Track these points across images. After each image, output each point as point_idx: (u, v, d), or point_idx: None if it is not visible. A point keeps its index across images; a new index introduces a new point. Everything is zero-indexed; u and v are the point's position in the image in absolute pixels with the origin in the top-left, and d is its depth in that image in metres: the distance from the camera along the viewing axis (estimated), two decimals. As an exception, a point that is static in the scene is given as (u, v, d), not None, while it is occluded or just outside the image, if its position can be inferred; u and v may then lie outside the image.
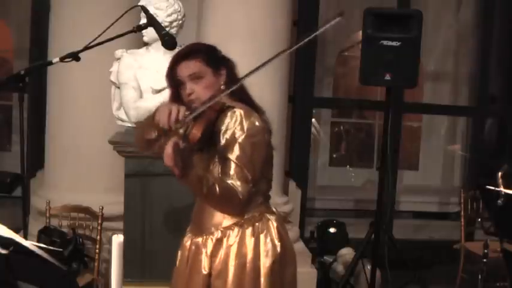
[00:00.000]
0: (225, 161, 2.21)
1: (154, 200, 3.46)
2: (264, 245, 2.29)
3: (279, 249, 2.31)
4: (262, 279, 2.28)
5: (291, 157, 5.52)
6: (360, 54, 3.95)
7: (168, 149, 2.05)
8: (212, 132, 2.22)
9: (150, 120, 2.31)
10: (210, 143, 2.23)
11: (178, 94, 2.35)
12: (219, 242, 2.30)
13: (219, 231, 2.30)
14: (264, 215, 2.33)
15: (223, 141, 2.20)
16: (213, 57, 2.33)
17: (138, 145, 2.52)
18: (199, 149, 2.26)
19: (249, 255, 2.28)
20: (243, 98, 2.33)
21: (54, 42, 4.37)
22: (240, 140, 2.20)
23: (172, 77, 2.34)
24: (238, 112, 2.22)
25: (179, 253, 2.44)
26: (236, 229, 2.29)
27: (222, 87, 2.29)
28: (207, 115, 2.20)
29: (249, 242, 2.28)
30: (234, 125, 2.20)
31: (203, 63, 2.29)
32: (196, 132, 2.15)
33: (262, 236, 2.30)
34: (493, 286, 4.41)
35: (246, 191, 2.21)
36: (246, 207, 2.29)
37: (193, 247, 2.37)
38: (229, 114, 2.22)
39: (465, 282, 4.57)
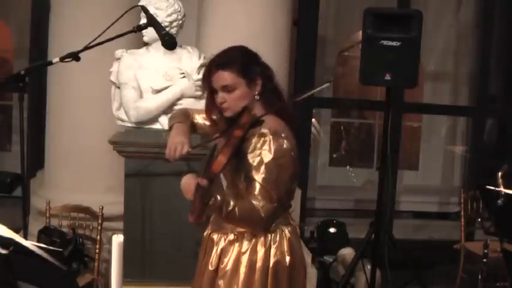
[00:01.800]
0: (250, 181, 2.23)
1: (154, 200, 3.46)
2: (274, 256, 2.32)
3: (288, 261, 2.34)
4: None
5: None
6: (360, 54, 3.95)
7: (190, 186, 2.07)
8: (239, 150, 2.22)
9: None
10: (236, 158, 2.24)
11: (213, 97, 2.36)
12: (230, 244, 2.35)
13: (233, 234, 2.35)
14: (278, 226, 2.36)
15: (250, 162, 2.23)
16: (248, 68, 2.31)
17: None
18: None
19: (259, 264, 2.31)
20: (275, 105, 2.34)
21: (54, 42, 4.37)
22: (266, 161, 2.21)
23: (207, 83, 2.35)
24: (267, 133, 2.23)
25: (201, 246, 2.51)
26: (249, 237, 2.33)
27: (256, 97, 2.32)
28: (235, 135, 2.21)
29: (260, 251, 2.32)
30: (262, 146, 2.23)
31: (237, 75, 2.28)
32: (221, 161, 2.14)
33: (273, 247, 2.33)
34: (493, 286, 4.41)
35: (271, 210, 2.22)
36: (269, 224, 2.31)
37: (209, 241, 2.42)
38: (257, 135, 2.24)
39: (465, 282, 4.57)
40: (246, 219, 2.22)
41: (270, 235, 2.33)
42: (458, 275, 4.60)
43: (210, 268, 2.36)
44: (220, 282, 2.33)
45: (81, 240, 3.82)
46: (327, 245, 5.12)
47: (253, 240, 2.32)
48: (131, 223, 3.48)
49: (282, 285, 2.33)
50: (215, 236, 2.40)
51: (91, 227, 3.92)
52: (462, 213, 4.76)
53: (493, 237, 3.90)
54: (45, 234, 3.76)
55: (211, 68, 2.33)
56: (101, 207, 3.86)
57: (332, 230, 5.25)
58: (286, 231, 2.37)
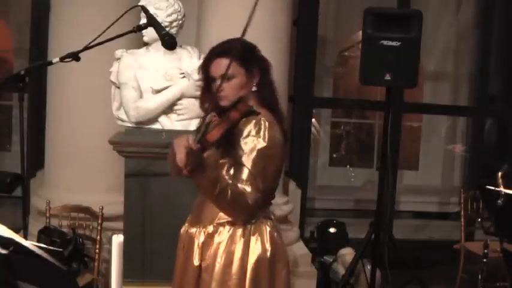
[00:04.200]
0: (239, 166, 2.21)
1: (154, 200, 3.46)
2: (253, 247, 2.29)
3: (269, 253, 2.30)
4: (247, 281, 2.27)
5: (291, 157, 5.52)
6: (360, 54, 3.95)
7: (180, 151, 2.02)
8: (232, 133, 2.21)
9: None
10: (226, 143, 2.22)
11: (209, 86, 2.35)
12: (210, 236, 2.31)
13: (212, 226, 2.31)
14: (259, 218, 2.32)
15: (242, 146, 2.20)
16: (247, 58, 2.31)
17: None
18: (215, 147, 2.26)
19: (237, 254, 2.27)
20: (270, 102, 2.33)
21: (54, 42, 4.37)
22: (259, 148, 2.20)
23: (205, 70, 2.34)
24: (263, 121, 2.23)
25: (178, 244, 2.46)
26: (228, 227, 2.29)
27: (254, 88, 2.31)
28: (231, 117, 2.20)
29: (239, 241, 2.28)
30: (258, 133, 2.21)
31: (236, 63, 2.26)
32: (215, 134, 2.14)
33: (253, 238, 2.30)
34: (493, 286, 4.41)
35: (256, 198, 2.20)
36: (253, 213, 2.28)
37: (187, 238, 2.38)
38: (254, 121, 2.23)
39: (465, 282, 4.57)
40: (235, 203, 2.19)
41: (249, 226, 2.29)
42: (458, 275, 4.60)
43: (195, 263, 2.32)
44: (205, 276, 2.29)
45: (81, 240, 3.82)
46: (327, 245, 5.13)
47: (232, 231, 2.28)
48: (131, 223, 3.48)
49: (262, 278, 2.29)
50: (193, 230, 2.36)
51: (91, 227, 3.92)
52: (462, 213, 4.76)
53: (493, 237, 3.90)
54: (45, 234, 3.76)
55: (211, 55, 2.32)
56: (101, 207, 3.86)
57: (332, 230, 5.25)
58: (268, 225, 2.34)
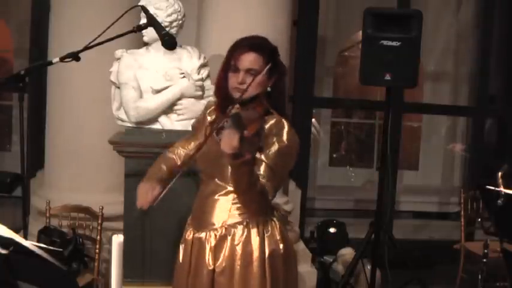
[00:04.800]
0: (260, 163, 2.20)
1: (154, 200, 3.45)
2: (268, 245, 2.31)
3: (282, 250, 2.34)
4: (268, 278, 2.29)
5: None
6: (360, 54, 3.95)
7: (233, 140, 1.98)
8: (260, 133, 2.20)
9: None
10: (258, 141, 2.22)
11: (226, 78, 2.34)
12: (222, 239, 2.31)
13: (223, 228, 2.31)
14: (268, 215, 2.36)
15: (263, 144, 2.21)
16: (273, 58, 2.33)
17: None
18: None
19: (255, 254, 2.29)
20: (280, 106, 2.34)
21: (54, 42, 4.37)
22: (279, 146, 2.23)
23: (230, 60, 2.33)
24: (284, 121, 2.27)
25: (181, 248, 2.45)
26: (241, 228, 2.30)
27: (268, 89, 2.31)
28: (258, 112, 2.18)
29: (255, 241, 2.30)
30: (279, 131, 2.24)
31: (264, 62, 2.29)
32: (253, 127, 2.08)
33: (266, 237, 2.32)
34: (493, 286, 4.42)
35: (274, 194, 2.25)
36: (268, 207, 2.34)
37: (196, 242, 2.37)
38: (275, 119, 2.26)
39: (465, 282, 4.57)
40: (261, 194, 2.20)
41: (261, 225, 2.32)
42: (458, 275, 4.60)
43: (209, 268, 2.31)
44: (221, 280, 2.30)
45: (81, 240, 3.81)
46: (327, 245, 5.13)
47: (246, 232, 2.30)
48: (131, 223, 3.48)
49: (278, 274, 2.33)
50: (203, 235, 2.35)
51: (91, 227, 3.92)
52: (462, 213, 4.76)
53: (493, 237, 3.90)
54: (45, 234, 3.76)
55: (241, 46, 2.32)
56: (101, 207, 3.86)
57: (332, 230, 5.25)
58: (275, 220, 2.37)
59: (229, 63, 2.33)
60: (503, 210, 3.19)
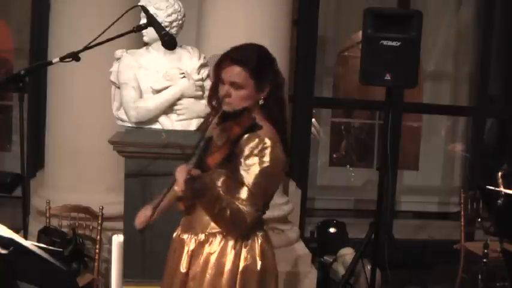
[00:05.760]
0: (239, 185, 2.17)
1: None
2: (244, 260, 2.26)
3: (259, 267, 2.27)
4: None
5: (291, 157, 5.51)
6: (360, 54, 3.95)
7: (180, 178, 2.02)
8: (233, 153, 2.17)
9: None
10: (227, 163, 2.18)
11: (217, 85, 2.30)
12: (201, 245, 2.29)
13: (203, 235, 2.29)
14: (251, 230, 2.29)
15: (243, 166, 2.17)
16: (260, 71, 2.25)
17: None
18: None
19: (227, 266, 2.24)
20: (276, 118, 2.28)
21: (54, 42, 4.37)
22: (262, 168, 2.17)
23: (217, 71, 2.29)
24: (268, 140, 2.18)
25: (170, 246, 2.46)
26: (219, 238, 2.26)
27: (261, 102, 2.26)
28: (232, 133, 2.16)
29: (230, 254, 2.25)
30: (260, 153, 2.17)
31: (248, 75, 2.22)
32: (217, 157, 2.11)
33: (244, 251, 2.26)
34: (493, 286, 4.41)
35: (254, 218, 2.20)
36: (249, 230, 2.27)
37: (179, 243, 2.37)
38: (257, 140, 2.18)
39: (465, 282, 4.57)
40: (233, 222, 2.17)
41: (241, 239, 2.27)
42: (458, 275, 4.60)
43: (182, 270, 2.30)
44: (191, 285, 2.28)
45: (81, 240, 3.81)
46: (327, 245, 5.12)
47: (223, 242, 2.26)
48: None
49: None
50: (185, 237, 2.34)
51: (91, 227, 3.92)
52: (462, 213, 4.76)
53: (493, 237, 3.90)
54: (45, 234, 3.76)
55: (225, 59, 2.27)
56: (101, 207, 3.86)
57: (332, 230, 5.25)
58: (259, 236, 2.31)
59: (217, 76, 2.31)
60: (503, 210, 3.19)
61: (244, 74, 2.21)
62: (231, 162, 2.18)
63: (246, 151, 2.17)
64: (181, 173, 2.03)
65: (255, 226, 2.29)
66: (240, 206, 2.16)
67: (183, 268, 2.30)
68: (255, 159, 2.17)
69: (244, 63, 2.21)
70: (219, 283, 2.24)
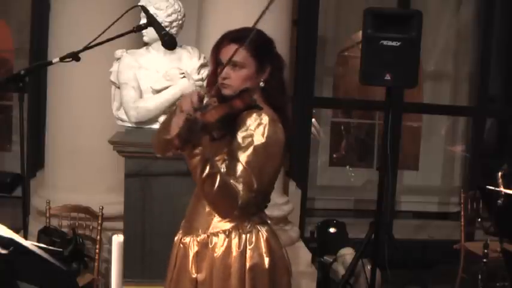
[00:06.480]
0: (233, 161, 2.06)
1: (154, 200, 3.46)
2: (250, 258, 2.16)
3: (267, 264, 2.18)
4: None
5: (291, 157, 5.52)
6: (360, 54, 3.95)
7: (179, 118, 1.92)
8: (230, 124, 2.08)
9: (167, 121, 2.21)
10: (223, 135, 2.11)
11: (217, 71, 2.21)
12: (204, 247, 2.20)
13: (205, 235, 2.20)
14: (254, 226, 2.20)
15: (239, 140, 2.07)
16: (261, 51, 2.18)
17: (155, 148, 2.37)
18: (211, 138, 2.14)
19: (234, 267, 2.15)
20: (276, 102, 2.20)
21: (54, 42, 4.37)
22: (256, 144, 2.06)
23: (215, 54, 2.22)
24: (265, 117, 2.09)
25: (172, 251, 2.38)
26: (222, 237, 2.17)
27: (261, 84, 2.19)
28: (233, 104, 2.08)
29: (234, 253, 2.16)
30: (256, 128, 2.07)
31: (249, 54, 2.15)
32: (214, 114, 2.01)
33: (249, 250, 2.17)
34: (493, 286, 4.41)
35: (247, 198, 2.05)
36: (241, 215, 2.14)
37: (181, 246, 2.28)
38: (254, 115, 2.09)
39: (465, 282, 4.58)
40: (223, 194, 2.02)
41: (244, 236, 2.16)
42: (458, 275, 4.60)
43: (193, 276, 2.21)
44: None
45: (81, 240, 3.82)
46: (327, 245, 5.12)
47: (226, 242, 2.16)
48: (131, 223, 3.48)
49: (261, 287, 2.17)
50: (187, 240, 2.24)
51: (91, 227, 3.92)
52: (462, 213, 4.76)
53: (493, 237, 3.90)
54: (45, 234, 3.76)
55: (223, 40, 2.20)
56: (101, 207, 3.86)
57: (332, 230, 5.25)
58: (263, 231, 2.20)
59: (215, 60, 2.23)
60: (503, 210, 3.19)
61: (244, 52, 2.13)
62: (230, 133, 2.09)
63: (243, 127, 2.09)
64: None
65: (256, 220, 2.20)
66: (233, 182, 2.04)
67: (193, 274, 2.21)
68: (250, 134, 2.07)
69: (244, 40, 2.10)
70: (229, 286, 2.16)
